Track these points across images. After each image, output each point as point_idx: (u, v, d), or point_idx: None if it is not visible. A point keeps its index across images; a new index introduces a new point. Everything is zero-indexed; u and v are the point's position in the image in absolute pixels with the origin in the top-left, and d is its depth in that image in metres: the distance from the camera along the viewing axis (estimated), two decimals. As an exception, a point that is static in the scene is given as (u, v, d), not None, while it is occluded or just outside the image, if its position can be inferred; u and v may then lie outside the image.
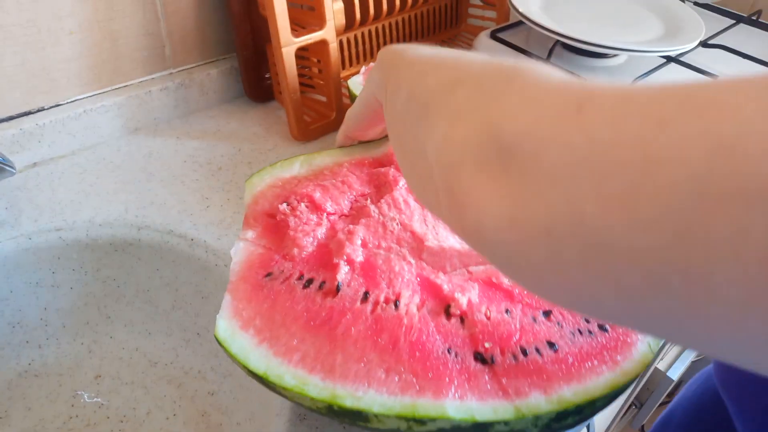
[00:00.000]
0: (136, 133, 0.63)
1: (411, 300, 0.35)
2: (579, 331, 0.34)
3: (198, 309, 0.52)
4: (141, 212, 0.52)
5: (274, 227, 0.39)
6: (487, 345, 0.33)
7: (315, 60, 0.62)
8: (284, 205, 0.39)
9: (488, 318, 0.34)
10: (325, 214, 0.39)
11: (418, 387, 0.30)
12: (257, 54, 0.66)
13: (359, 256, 0.37)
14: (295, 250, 0.37)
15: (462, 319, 0.34)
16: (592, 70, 0.69)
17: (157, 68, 0.64)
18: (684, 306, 0.15)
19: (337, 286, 0.35)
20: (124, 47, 0.60)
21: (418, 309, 0.34)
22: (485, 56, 0.26)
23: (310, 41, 0.57)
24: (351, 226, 0.38)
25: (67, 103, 0.59)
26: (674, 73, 0.67)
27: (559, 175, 0.17)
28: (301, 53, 0.60)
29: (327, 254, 0.37)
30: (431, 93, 0.25)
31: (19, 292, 0.51)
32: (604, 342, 0.34)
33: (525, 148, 0.19)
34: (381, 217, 0.39)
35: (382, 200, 0.40)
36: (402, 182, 0.42)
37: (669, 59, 0.69)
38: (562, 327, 0.34)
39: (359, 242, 0.37)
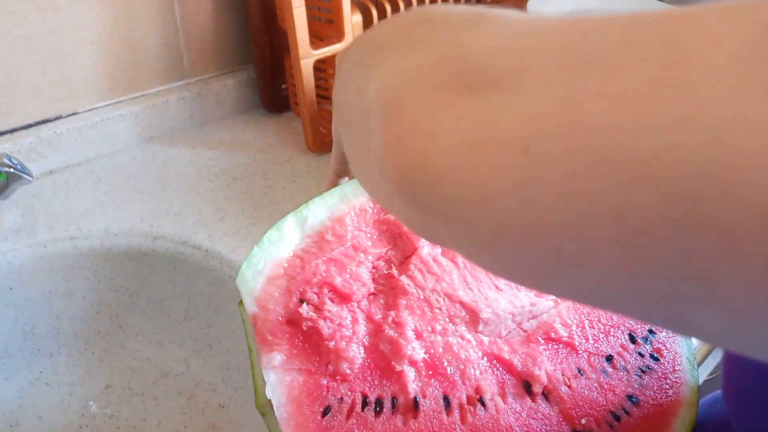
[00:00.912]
0: (151, 142, 0.63)
1: (492, 391, 0.31)
2: (641, 370, 0.33)
3: (210, 320, 0.52)
4: (156, 222, 0.52)
5: (303, 338, 0.30)
6: (583, 421, 0.31)
7: (332, 72, 0.62)
8: (304, 305, 0.31)
9: (570, 388, 0.32)
10: (355, 303, 0.32)
11: None
12: (274, 65, 0.66)
13: (420, 353, 0.31)
14: (345, 365, 0.30)
15: (545, 395, 0.32)
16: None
17: (174, 78, 0.64)
18: (713, 240, 0.11)
19: (415, 400, 0.30)
20: (142, 57, 0.61)
21: (504, 399, 0.31)
22: None
23: (328, 54, 0.58)
24: (393, 313, 0.32)
25: (85, 111, 0.59)
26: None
27: (547, 80, 0.14)
28: (319, 65, 0.60)
29: (381, 358, 0.31)
30: (382, 38, 0.20)
31: (32, 300, 0.51)
32: (662, 373, 0.33)
33: (500, 62, 0.15)
34: (419, 291, 0.33)
35: (411, 266, 0.34)
36: None
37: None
38: (628, 372, 0.33)
39: (412, 334, 0.31)
